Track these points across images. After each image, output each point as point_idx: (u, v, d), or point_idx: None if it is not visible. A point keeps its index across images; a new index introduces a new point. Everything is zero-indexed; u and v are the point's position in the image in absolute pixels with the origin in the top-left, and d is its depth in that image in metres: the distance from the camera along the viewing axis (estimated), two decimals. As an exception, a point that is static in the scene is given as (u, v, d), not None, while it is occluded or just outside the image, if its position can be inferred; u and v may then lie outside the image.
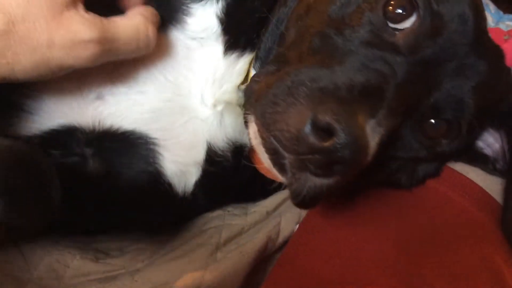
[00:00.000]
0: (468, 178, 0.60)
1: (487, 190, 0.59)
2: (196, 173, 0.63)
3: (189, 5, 0.57)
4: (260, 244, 0.64)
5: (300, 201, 0.44)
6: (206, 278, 0.57)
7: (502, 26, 1.80)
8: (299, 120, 0.39)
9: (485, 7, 2.08)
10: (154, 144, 0.59)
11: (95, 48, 0.43)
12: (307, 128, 0.38)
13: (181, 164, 0.61)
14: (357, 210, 0.59)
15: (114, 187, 0.59)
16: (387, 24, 0.48)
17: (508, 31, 1.76)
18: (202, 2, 0.57)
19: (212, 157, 0.62)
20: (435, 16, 0.48)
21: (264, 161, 0.46)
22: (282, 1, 0.60)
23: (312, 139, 0.38)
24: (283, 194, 0.74)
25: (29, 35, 0.39)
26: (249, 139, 0.47)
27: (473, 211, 0.56)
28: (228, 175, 0.64)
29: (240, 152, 0.62)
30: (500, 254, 0.52)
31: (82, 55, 0.42)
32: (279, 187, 0.73)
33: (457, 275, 0.50)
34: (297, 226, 0.68)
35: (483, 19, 0.52)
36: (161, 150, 0.59)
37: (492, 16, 1.95)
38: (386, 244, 0.53)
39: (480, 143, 0.63)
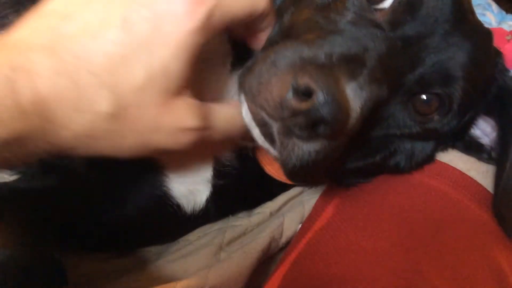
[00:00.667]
0: (469, 177, 0.60)
1: (488, 189, 0.59)
2: (205, 191, 0.63)
3: None
4: (264, 244, 0.64)
5: (291, 170, 0.44)
6: (210, 278, 0.57)
7: (505, 26, 1.80)
8: (281, 87, 0.41)
9: (488, 7, 2.08)
10: (159, 166, 0.58)
11: (194, 135, 0.42)
12: (289, 94, 0.40)
13: (189, 184, 0.61)
14: (358, 208, 0.60)
15: (121, 213, 0.60)
16: (369, 6, 0.51)
17: (511, 31, 1.75)
18: None
19: (219, 170, 0.62)
20: None
21: (256, 138, 0.47)
22: None
23: (294, 102, 0.39)
24: (287, 195, 0.74)
25: (138, 121, 0.38)
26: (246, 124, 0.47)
27: (475, 209, 0.56)
28: (237, 183, 0.64)
29: (244, 156, 0.62)
30: (502, 252, 0.53)
31: (182, 141, 0.41)
32: (285, 188, 0.73)
33: (460, 274, 0.50)
34: (300, 226, 0.68)
35: (467, 1, 0.54)
36: (166, 172, 0.59)
37: (495, 16, 1.95)
38: (388, 242, 0.53)
39: (477, 132, 0.63)
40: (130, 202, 0.60)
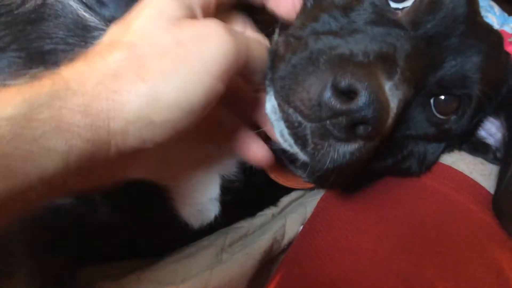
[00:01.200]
0: (471, 179, 0.60)
1: (490, 191, 0.59)
2: (214, 209, 0.62)
3: None
4: (266, 245, 0.64)
5: (322, 174, 0.43)
6: (212, 279, 0.57)
7: (507, 29, 1.80)
8: (319, 86, 0.39)
9: (490, 9, 2.08)
10: (165, 190, 0.57)
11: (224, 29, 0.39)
12: (328, 93, 0.38)
13: (197, 205, 0.61)
14: (360, 210, 0.60)
15: (128, 233, 0.60)
16: (389, 4, 0.50)
17: (513, 34, 1.76)
18: None
19: (227, 187, 0.61)
20: None
21: (280, 139, 0.45)
22: None
23: (335, 102, 0.38)
24: (289, 197, 0.74)
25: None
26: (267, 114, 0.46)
27: (477, 212, 0.56)
28: (244, 194, 0.63)
29: (249, 167, 0.61)
30: (504, 254, 0.52)
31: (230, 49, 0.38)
32: (288, 192, 0.73)
33: (461, 276, 0.50)
34: (302, 227, 0.68)
35: (476, 2, 0.54)
36: (173, 195, 0.58)
37: (497, 19, 1.94)
38: (390, 244, 0.53)
39: (482, 133, 0.64)
40: (143, 227, 0.59)
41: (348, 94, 0.38)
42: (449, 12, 0.50)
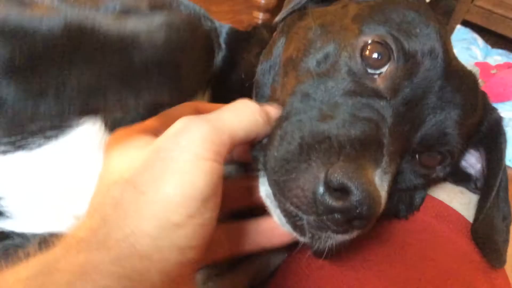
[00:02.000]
0: (452, 208, 0.61)
1: (469, 220, 0.61)
2: None
3: None
4: (251, 273, 0.64)
5: (320, 251, 0.45)
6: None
7: (490, 61, 1.86)
8: (312, 183, 0.41)
9: (473, 42, 2.15)
10: None
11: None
12: (321, 190, 0.40)
13: None
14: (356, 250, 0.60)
15: None
16: (367, 71, 0.51)
17: (496, 66, 1.81)
18: None
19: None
20: (409, 58, 0.51)
21: (279, 222, 0.47)
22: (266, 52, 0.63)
23: (329, 200, 0.40)
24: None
25: None
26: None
27: (456, 240, 0.58)
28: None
29: None
30: (481, 280, 0.54)
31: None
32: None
33: None
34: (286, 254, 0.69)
35: (450, 47, 0.56)
36: None
37: (480, 51, 2.01)
38: (370, 272, 0.54)
39: (463, 163, 0.66)
40: None
41: (340, 190, 0.40)
42: (426, 74, 0.51)
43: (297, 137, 0.44)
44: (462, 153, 0.59)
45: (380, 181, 0.44)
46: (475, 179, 0.66)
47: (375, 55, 0.51)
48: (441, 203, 0.62)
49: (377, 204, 0.41)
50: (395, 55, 0.51)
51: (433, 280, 0.53)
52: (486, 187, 0.62)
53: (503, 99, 1.58)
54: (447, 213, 0.61)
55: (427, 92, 0.51)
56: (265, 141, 0.47)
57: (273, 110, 0.48)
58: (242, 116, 0.42)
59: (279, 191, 0.44)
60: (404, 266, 0.54)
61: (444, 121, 0.53)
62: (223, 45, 0.67)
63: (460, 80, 0.54)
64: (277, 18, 0.65)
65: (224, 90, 0.64)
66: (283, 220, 0.46)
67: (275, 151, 0.44)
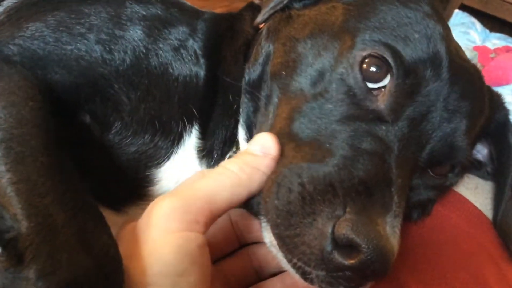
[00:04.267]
0: (458, 193, 0.60)
1: (476, 205, 0.60)
2: None
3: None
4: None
5: None
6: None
7: (489, 44, 1.84)
8: (319, 240, 0.38)
9: (472, 26, 2.13)
10: None
11: None
12: (329, 248, 0.37)
13: None
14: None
15: None
16: (367, 85, 0.47)
17: (495, 49, 1.79)
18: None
19: None
20: (409, 73, 0.47)
21: (287, 270, 0.43)
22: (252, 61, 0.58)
23: (338, 258, 0.37)
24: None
25: None
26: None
27: (469, 230, 0.57)
28: None
29: None
30: (491, 270, 0.53)
31: None
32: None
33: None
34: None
35: (452, 43, 0.51)
36: None
37: (479, 35, 1.99)
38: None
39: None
40: None
41: (350, 246, 0.37)
42: (430, 88, 0.47)
43: (296, 185, 0.40)
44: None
45: (392, 228, 0.40)
46: (485, 165, 0.64)
47: (373, 68, 0.47)
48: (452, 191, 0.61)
49: (391, 257, 0.38)
50: (395, 71, 0.46)
51: (442, 267, 0.52)
52: (500, 180, 0.59)
53: (501, 82, 1.57)
54: (453, 199, 0.60)
55: (432, 106, 0.48)
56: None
57: (262, 150, 0.44)
58: (221, 178, 0.41)
59: (285, 246, 0.40)
60: (415, 256, 0.53)
61: (452, 134, 0.49)
62: (201, 60, 0.58)
63: (465, 83, 0.50)
64: (259, 19, 0.60)
65: (216, 118, 0.58)
66: (291, 269, 0.42)
67: (275, 199, 0.41)
